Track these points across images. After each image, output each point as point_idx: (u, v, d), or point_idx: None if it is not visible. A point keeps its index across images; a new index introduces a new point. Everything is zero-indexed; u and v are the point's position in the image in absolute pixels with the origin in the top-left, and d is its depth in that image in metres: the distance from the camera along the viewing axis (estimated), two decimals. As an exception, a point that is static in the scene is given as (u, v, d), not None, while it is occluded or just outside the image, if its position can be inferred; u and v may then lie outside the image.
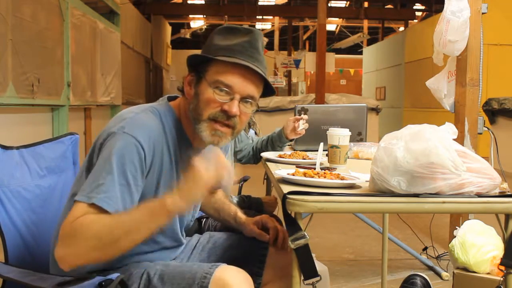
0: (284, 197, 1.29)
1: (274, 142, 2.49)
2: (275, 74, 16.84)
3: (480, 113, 3.29)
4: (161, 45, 16.38)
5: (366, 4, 16.49)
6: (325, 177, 1.50)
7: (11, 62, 4.56)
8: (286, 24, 18.29)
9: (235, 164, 2.58)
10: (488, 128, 3.18)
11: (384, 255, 2.81)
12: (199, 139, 1.38)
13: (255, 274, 1.52)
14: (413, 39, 12.80)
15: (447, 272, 3.13)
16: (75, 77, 6.44)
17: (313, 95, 10.42)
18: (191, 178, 1.23)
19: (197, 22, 19.66)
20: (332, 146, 1.93)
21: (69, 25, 6.19)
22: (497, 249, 2.15)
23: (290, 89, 17.96)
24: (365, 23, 18.68)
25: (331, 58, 12.27)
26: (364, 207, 1.32)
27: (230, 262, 1.35)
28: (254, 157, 2.60)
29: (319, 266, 1.47)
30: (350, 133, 1.95)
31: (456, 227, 2.34)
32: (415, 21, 17.15)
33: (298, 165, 1.92)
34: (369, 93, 16.47)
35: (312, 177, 1.50)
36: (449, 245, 2.27)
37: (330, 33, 20.48)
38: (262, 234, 1.59)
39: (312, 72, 14.97)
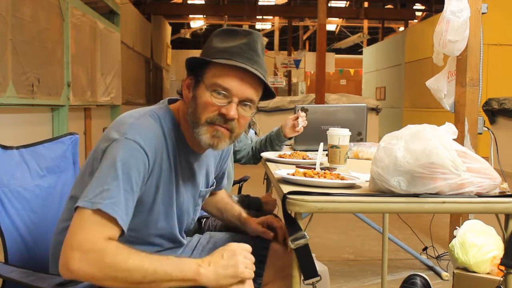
0: (284, 197, 1.29)
1: (273, 141, 2.49)
2: (275, 74, 16.84)
3: (480, 113, 3.29)
4: (161, 45, 16.38)
5: (366, 4, 16.49)
6: (325, 177, 1.50)
7: (11, 62, 4.56)
8: (286, 24, 18.29)
9: (234, 164, 2.58)
10: (488, 128, 3.18)
11: (384, 255, 2.81)
12: (198, 143, 1.37)
13: (256, 274, 1.52)
14: (413, 39, 12.80)
15: (447, 272, 3.13)
16: (75, 77, 6.44)
17: (313, 95, 10.42)
18: (228, 258, 1.23)
19: (197, 22, 19.66)
20: (332, 146, 1.93)
21: (69, 25, 6.19)
22: (497, 249, 2.15)
23: (290, 89, 17.96)
24: (365, 23, 18.68)
25: (331, 58, 12.27)
26: (364, 207, 1.32)
27: (231, 262, 1.35)
28: (254, 157, 2.60)
29: (319, 266, 1.47)
30: (350, 133, 1.95)
31: (456, 227, 2.34)
32: (415, 21, 17.15)
33: (298, 165, 1.92)
34: (369, 93, 16.47)
35: (312, 177, 1.50)
36: (449, 245, 2.27)
37: (330, 33, 20.48)
38: (266, 232, 1.59)
39: (312, 72, 14.98)
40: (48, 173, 1.69)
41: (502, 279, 1.33)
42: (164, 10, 16.13)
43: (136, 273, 1.15)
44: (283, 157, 2.14)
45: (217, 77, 1.32)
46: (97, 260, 1.14)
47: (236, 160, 2.59)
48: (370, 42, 19.81)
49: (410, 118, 12.31)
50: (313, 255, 1.31)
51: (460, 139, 3.14)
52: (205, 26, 20.27)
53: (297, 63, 15.54)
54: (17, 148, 1.59)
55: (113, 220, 1.18)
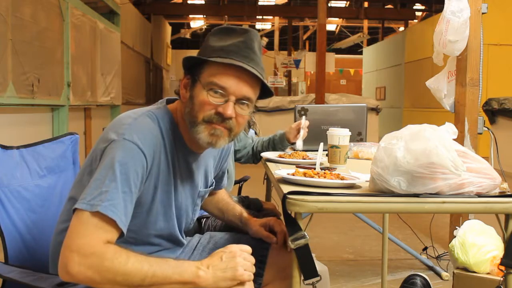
0: (284, 197, 1.29)
1: (276, 144, 2.50)
2: (275, 74, 16.83)
3: (480, 113, 3.29)
4: (161, 45, 16.38)
5: (366, 4, 16.49)
6: (325, 177, 1.50)
7: (11, 62, 4.56)
8: (286, 24, 18.29)
9: (234, 163, 2.58)
10: (488, 128, 3.18)
11: (384, 255, 2.81)
12: (196, 143, 1.37)
13: (256, 274, 1.51)
14: (413, 39, 12.80)
15: (447, 272, 3.13)
16: (75, 77, 6.44)
17: (313, 95, 10.42)
18: (227, 260, 1.23)
19: (197, 22, 19.66)
20: (332, 146, 1.93)
21: (69, 25, 6.19)
22: (497, 249, 2.15)
23: (290, 89, 17.96)
24: (365, 23, 18.68)
25: (331, 58, 12.26)
26: (364, 207, 1.32)
27: (231, 262, 1.35)
28: (254, 157, 2.61)
29: (319, 266, 1.47)
30: (350, 133, 1.95)
31: (456, 227, 2.34)
32: (415, 21, 17.16)
33: (298, 165, 1.92)
34: (369, 93, 16.47)
35: (312, 177, 1.50)
36: (449, 245, 2.27)
37: (330, 33, 20.49)
38: (269, 237, 1.58)
39: (312, 72, 14.97)
40: (48, 173, 1.69)
41: (502, 279, 1.33)
42: (164, 10, 16.13)
43: (135, 276, 1.15)
44: (283, 157, 2.14)
45: (213, 76, 1.31)
46: (96, 264, 1.14)
47: (235, 159, 2.59)
48: (370, 42, 19.81)
49: (410, 118, 12.31)
50: (313, 255, 1.31)
51: (460, 139, 3.14)
52: (205, 26, 20.27)
53: (297, 63, 15.53)
54: (17, 148, 1.59)
55: (112, 222, 1.18)
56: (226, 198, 1.78)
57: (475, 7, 3.10)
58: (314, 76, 11.78)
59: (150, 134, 1.30)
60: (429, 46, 9.11)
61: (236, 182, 2.75)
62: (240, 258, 1.23)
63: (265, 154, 2.28)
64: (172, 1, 16.60)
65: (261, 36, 20.78)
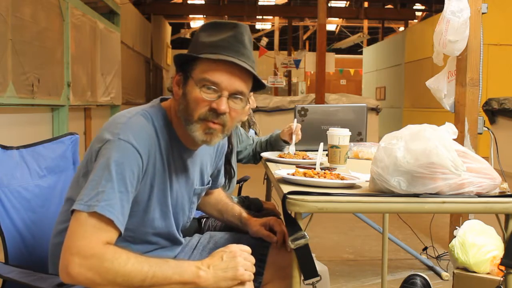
0: (284, 197, 1.29)
1: (273, 146, 2.51)
2: (275, 74, 16.83)
3: (480, 113, 3.28)
4: (161, 45, 16.38)
5: (366, 4, 16.50)
6: (325, 177, 1.50)
7: (11, 62, 4.57)
8: (286, 24, 18.30)
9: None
10: (488, 128, 3.18)
11: (384, 255, 2.81)
12: (191, 140, 1.37)
13: (256, 273, 1.51)
14: (413, 39, 12.80)
15: (447, 272, 3.13)
16: (75, 77, 6.44)
17: (313, 95, 10.43)
18: (228, 260, 1.23)
19: (197, 22, 19.65)
20: (332, 146, 1.93)
21: (69, 25, 6.19)
22: (497, 249, 2.15)
23: (290, 89, 17.97)
24: (365, 23, 18.69)
25: (331, 58, 12.26)
26: (364, 207, 1.32)
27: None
28: (254, 158, 2.61)
29: (319, 266, 1.47)
30: (350, 133, 1.95)
31: (456, 227, 2.34)
32: (415, 21, 17.16)
33: (298, 165, 1.92)
34: (369, 93, 16.47)
35: (312, 177, 1.50)
36: (449, 245, 2.27)
37: (330, 33, 20.49)
38: (270, 236, 1.58)
39: (312, 72, 14.97)
40: (48, 173, 1.69)
41: (502, 279, 1.33)
42: (164, 10, 16.14)
43: (135, 277, 1.15)
44: (283, 157, 2.14)
45: (205, 72, 1.31)
46: (96, 265, 1.14)
47: (237, 160, 2.59)
48: (370, 42, 19.82)
49: (410, 118, 12.31)
50: (313, 255, 1.31)
51: (460, 139, 3.14)
52: (205, 26, 20.23)
53: (297, 63, 15.53)
54: (17, 148, 1.59)
55: (110, 222, 1.18)
56: (225, 199, 1.78)
57: (475, 7, 3.10)
58: (314, 76, 11.78)
59: (144, 133, 1.31)
60: (429, 46, 9.11)
61: (236, 182, 2.75)
62: (240, 258, 1.24)
63: (265, 154, 2.28)
64: (172, 1, 16.60)
65: (261, 36, 20.81)
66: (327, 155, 1.98)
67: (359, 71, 19.39)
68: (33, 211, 1.59)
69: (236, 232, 1.69)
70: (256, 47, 16.54)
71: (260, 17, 18.52)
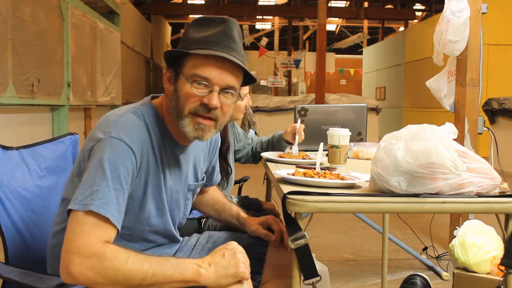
0: (284, 197, 1.29)
1: (275, 146, 2.51)
2: (275, 74, 16.83)
3: (480, 113, 3.28)
4: (161, 45, 16.38)
5: (366, 4, 16.50)
6: (325, 177, 1.50)
7: (11, 62, 4.57)
8: (286, 24, 18.30)
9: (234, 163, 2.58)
10: (488, 128, 3.18)
11: (384, 255, 2.81)
12: (183, 135, 1.37)
13: (255, 272, 1.52)
14: (413, 39, 12.80)
15: (447, 272, 3.13)
16: (75, 77, 6.44)
17: (313, 95, 10.43)
18: (230, 257, 1.23)
19: (197, 22, 19.64)
20: (332, 146, 1.93)
21: (69, 25, 6.19)
22: (497, 249, 2.15)
23: (290, 89, 17.97)
24: (365, 23, 18.69)
25: (331, 58, 12.26)
26: (364, 207, 1.32)
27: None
28: (253, 157, 2.61)
29: (319, 266, 1.47)
30: (350, 133, 1.95)
31: (456, 227, 2.34)
32: (415, 21, 17.16)
33: (298, 165, 1.92)
34: (369, 93, 16.48)
35: (312, 177, 1.50)
36: (449, 245, 2.27)
37: (330, 33, 20.49)
38: (268, 235, 1.58)
39: (312, 72, 14.97)
40: (48, 173, 1.69)
41: (502, 279, 1.33)
42: (164, 10, 16.14)
43: (135, 275, 1.15)
44: (283, 157, 2.14)
45: (196, 68, 1.32)
46: (96, 264, 1.14)
47: (235, 159, 2.59)
48: (370, 42, 19.82)
49: (410, 118, 12.31)
50: (313, 255, 1.31)
51: (460, 139, 3.14)
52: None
53: (297, 63, 15.53)
54: (17, 148, 1.60)
55: (106, 220, 1.18)
56: (222, 199, 1.78)
57: (475, 7, 3.10)
58: (314, 76, 11.78)
59: (136, 131, 1.31)
60: (429, 46, 9.11)
61: (236, 182, 2.75)
62: (241, 255, 1.24)
63: (265, 154, 2.28)
64: (172, 1, 16.61)
65: (261, 36, 20.81)
66: (327, 155, 1.98)
67: (359, 71, 19.40)
68: (33, 211, 1.59)
69: (234, 232, 1.70)
70: (256, 47, 16.55)
71: (260, 17, 18.52)
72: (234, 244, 1.26)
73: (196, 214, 2.01)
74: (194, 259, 1.24)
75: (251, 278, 1.29)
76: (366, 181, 1.44)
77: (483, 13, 3.15)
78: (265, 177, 2.75)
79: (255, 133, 2.92)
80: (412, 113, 12.46)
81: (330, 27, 19.99)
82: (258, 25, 20.91)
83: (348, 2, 17.25)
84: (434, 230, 3.61)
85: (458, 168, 1.26)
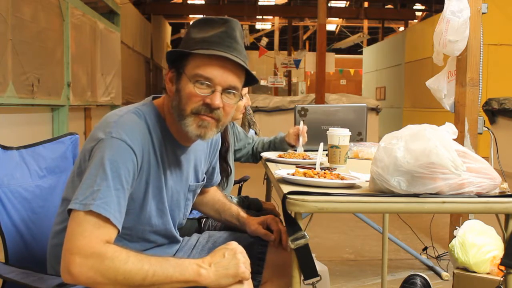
0: (284, 197, 1.29)
1: (277, 147, 2.51)
2: (275, 74, 16.83)
3: (480, 113, 3.28)
4: (161, 45, 16.38)
5: (366, 4, 16.50)
6: (325, 177, 1.50)
7: (11, 62, 4.57)
8: (286, 24, 18.30)
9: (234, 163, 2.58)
10: (488, 128, 3.18)
11: (384, 255, 2.81)
12: (184, 135, 1.37)
13: (255, 272, 1.52)
14: (413, 39, 12.80)
15: (447, 272, 3.13)
16: (75, 77, 6.44)
17: (313, 95, 10.43)
18: (230, 257, 1.23)
19: (197, 22, 19.65)
20: (332, 146, 1.93)
21: (69, 25, 6.20)
22: (497, 249, 2.15)
23: (290, 89, 17.97)
24: (365, 23, 18.69)
25: (331, 58, 12.26)
26: (364, 207, 1.32)
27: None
28: (254, 157, 2.61)
29: (319, 266, 1.47)
30: (350, 133, 1.95)
31: (456, 227, 2.34)
32: (415, 21, 17.16)
33: (298, 165, 1.92)
34: (369, 93, 16.47)
35: (312, 177, 1.50)
36: (449, 245, 2.27)
37: (330, 33, 20.49)
38: (268, 235, 1.58)
39: (312, 72, 14.97)
40: (48, 173, 1.69)
41: (502, 279, 1.33)
42: (164, 10, 16.14)
43: (136, 275, 1.15)
44: (283, 157, 2.14)
45: (198, 68, 1.32)
46: (97, 264, 1.14)
47: (235, 159, 2.59)
48: (370, 42, 19.82)
49: (410, 118, 12.31)
50: (313, 255, 1.31)
51: (460, 139, 3.14)
52: (205, 26, 20.22)
53: (297, 63, 15.53)
54: (17, 148, 1.59)
55: (107, 220, 1.18)
56: (222, 198, 1.78)
57: (475, 7, 3.10)
58: (314, 76, 11.78)
59: (137, 131, 1.31)
60: (429, 46, 9.11)
61: (236, 182, 2.75)
62: (241, 255, 1.24)
63: (265, 154, 2.28)
64: (172, 1, 16.61)
65: (261, 36, 20.81)
66: (327, 155, 1.98)
67: (359, 71, 19.39)
68: (33, 211, 1.59)
69: (234, 232, 1.70)
70: (256, 47, 16.54)
71: (260, 17, 18.52)
72: (234, 244, 1.26)
73: (196, 214, 2.01)
74: (195, 259, 1.24)
75: (251, 278, 1.29)
76: (366, 181, 1.44)
77: (483, 13, 3.15)
78: (265, 177, 2.75)
79: (255, 133, 2.92)
80: (412, 113, 12.46)
81: (330, 27, 19.99)
82: (258, 25, 20.91)
83: (348, 2, 17.25)
84: (434, 230, 3.61)
85: (458, 168, 1.26)
